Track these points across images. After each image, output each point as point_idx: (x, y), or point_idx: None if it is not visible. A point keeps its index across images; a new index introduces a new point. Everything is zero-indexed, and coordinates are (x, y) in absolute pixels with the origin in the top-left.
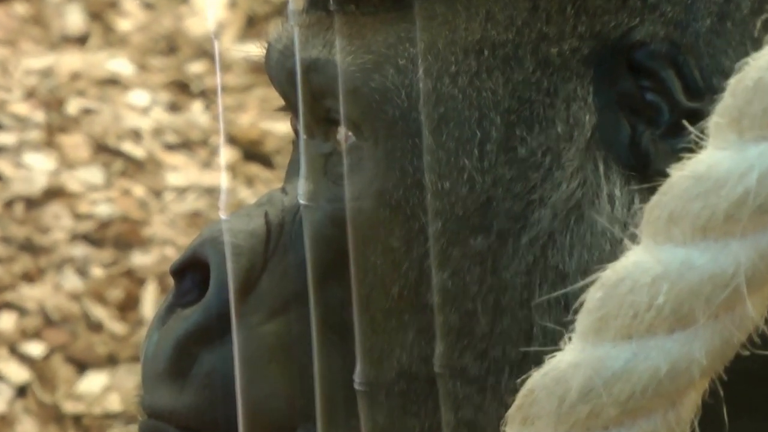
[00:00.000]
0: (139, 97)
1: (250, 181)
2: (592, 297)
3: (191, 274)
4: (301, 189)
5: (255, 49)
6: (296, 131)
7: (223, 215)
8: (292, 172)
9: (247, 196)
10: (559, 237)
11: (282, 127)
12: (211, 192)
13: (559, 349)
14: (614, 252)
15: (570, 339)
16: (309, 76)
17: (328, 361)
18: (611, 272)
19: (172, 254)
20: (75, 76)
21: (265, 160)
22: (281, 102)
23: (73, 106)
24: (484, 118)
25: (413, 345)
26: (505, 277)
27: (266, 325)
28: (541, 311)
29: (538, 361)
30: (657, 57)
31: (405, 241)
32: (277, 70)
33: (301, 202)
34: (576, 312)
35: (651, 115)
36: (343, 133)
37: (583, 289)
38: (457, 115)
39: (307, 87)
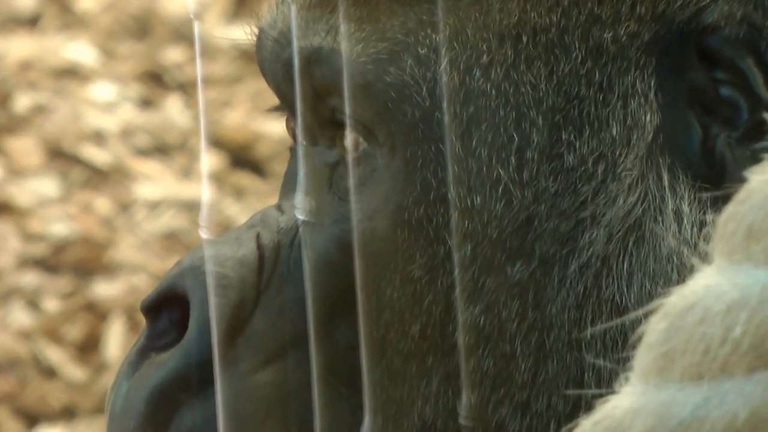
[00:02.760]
0: (103, 90)
1: (238, 194)
2: (655, 329)
3: (167, 310)
4: (301, 206)
5: (244, 34)
6: (294, 136)
7: (205, 236)
8: (290, 185)
9: (236, 212)
10: (616, 263)
11: (277, 127)
12: (191, 207)
13: (615, 392)
14: (683, 280)
15: (627, 380)
16: (310, 69)
17: (334, 417)
18: (677, 298)
19: (143, 284)
20: (24, 65)
21: (257, 168)
22: (276, 99)
23: (22, 102)
24: (522, 119)
25: (438, 396)
26: (550, 313)
27: (259, 374)
28: (594, 352)
29: (589, 407)
30: (733, 43)
31: (428, 269)
32: (270, 62)
33: (301, 222)
34: (634, 347)
35: (727, 114)
36: (351, 138)
37: (642, 320)
38: (490, 115)
39: (307, 82)
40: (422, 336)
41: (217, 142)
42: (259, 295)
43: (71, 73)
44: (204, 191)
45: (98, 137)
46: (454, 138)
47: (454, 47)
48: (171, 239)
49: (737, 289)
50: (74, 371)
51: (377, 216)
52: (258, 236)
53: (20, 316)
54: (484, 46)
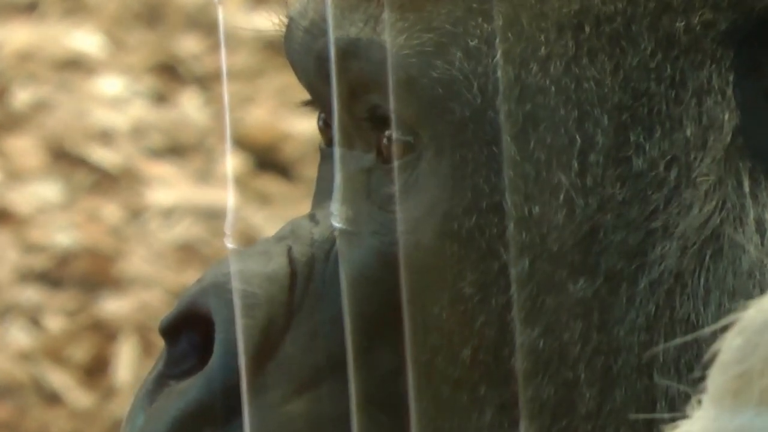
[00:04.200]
0: (110, 84)
1: (264, 199)
2: (730, 346)
3: (188, 333)
4: (337, 215)
5: (270, 23)
6: (327, 136)
7: (231, 246)
8: (323, 192)
9: (261, 220)
10: (691, 279)
11: (306, 125)
12: (209, 214)
13: (686, 417)
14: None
15: (699, 403)
16: (346, 63)
17: None
18: (755, 313)
19: (156, 300)
20: (23, 56)
21: (284, 171)
22: (306, 95)
23: (20, 97)
24: (585, 118)
25: (492, 428)
26: (617, 335)
27: (291, 404)
28: (666, 377)
29: None
30: None
31: (480, 286)
32: (301, 54)
33: (337, 232)
34: (707, 367)
35: None
36: (393, 140)
37: (716, 336)
38: (548, 114)
39: (343, 77)
40: (474, 361)
41: (239, 142)
42: (290, 316)
43: (75, 65)
44: (228, 197)
45: (106, 136)
46: (509, 139)
47: (508, 38)
48: (187, 250)
49: None
50: (80, 397)
51: (422, 227)
52: (289, 250)
53: (20, 336)
54: (542, 37)
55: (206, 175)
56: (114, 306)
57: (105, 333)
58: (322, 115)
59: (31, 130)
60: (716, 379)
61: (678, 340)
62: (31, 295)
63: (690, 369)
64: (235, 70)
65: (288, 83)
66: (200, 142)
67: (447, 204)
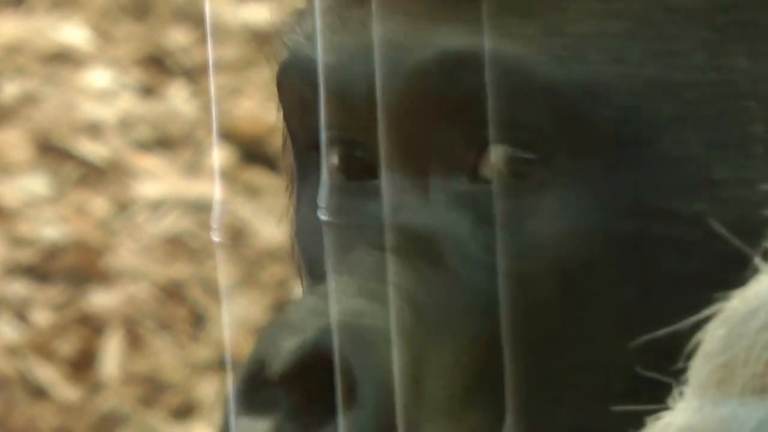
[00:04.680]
0: (98, 77)
1: (252, 191)
2: (713, 336)
3: (309, 379)
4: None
5: (259, 13)
6: (351, 168)
7: (217, 239)
8: (356, 232)
9: (248, 212)
10: None
11: None
12: (198, 207)
13: (668, 408)
14: None
15: (682, 394)
16: (451, 77)
17: None
18: (739, 302)
19: (144, 293)
20: (10, 49)
21: (272, 164)
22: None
23: (7, 91)
24: (738, 110)
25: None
26: None
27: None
28: (650, 366)
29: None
30: None
31: (644, 290)
32: (350, 77)
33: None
34: (690, 357)
35: None
36: (510, 155)
37: (698, 326)
38: (698, 108)
39: (442, 94)
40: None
41: (227, 135)
42: (422, 348)
43: (63, 58)
44: (216, 190)
45: (93, 129)
46: (662, 138)
47: (645, 36)
48: (175, 243)
49: None
50: (67, 391)
51: (570, 238)
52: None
53: (6, 330)
54: (677, 31)
55: (194, 168)
56: (101, 300)
57: (92, 327)
58: (354, 145)
59: (19, 124)
60: (699, 369)
61: (661, 331)
62: (18, 289)
63: (672, 360)
64: (223, 63)
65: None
66: (188, 134)
67: (598, 211)
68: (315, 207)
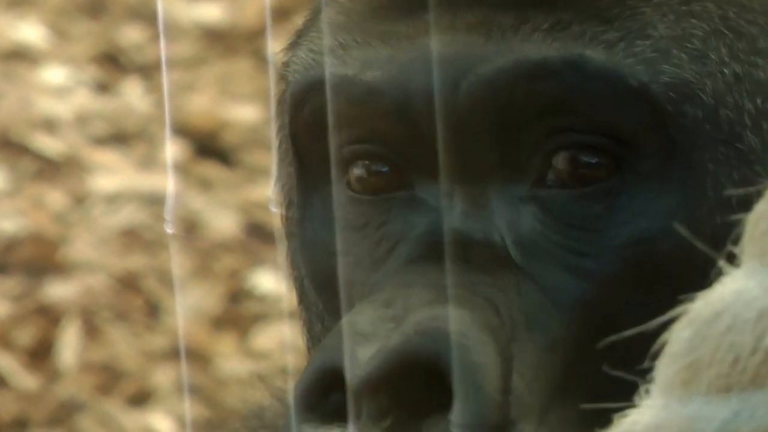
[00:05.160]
0: (54, 74)
1: (204, 185)
2: (679, 337)
3: (386, 389)
4: (275, 201)
5: (211, 10)
6: (380, 183)
7: (170, 231)
8: (390, 246)
9: (201, 204)
10: None
11: (246, 114)
12: (152, 200)
13: (635, 406)
14: None
15: (648, 393)
16: (529, 86)
17: None
18: (703, 305)
19: (101, 284)
20: None
21: (224, 157)
22: (251, 82)
23: None
24: None
25: None
26: None
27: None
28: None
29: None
30: None
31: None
32: (386, 91)
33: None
34: (656, 357)
35: None
36: (585, 161)
37: (664, 327)
38: None
39: (517, 103)
40: None
41: (180, 130)
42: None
43: (19, 56)
44: (169, 183)
45: (50, 125)
46: (749, 135)
47: (726, 35)
48: (130, 235)
49: None
50: (25, 380)
51: (657, 238)
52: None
53: None
54: (755, 30)
55: (149, 162)
56: (58, 291)
57: (50, 317)
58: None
59: None
60: (665, 369)
61: (628, 332)
62: None
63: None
64: (176, 59)
65: (228, 72)
66: (143, 129)
67: (687, 208)
68: (326, 223)
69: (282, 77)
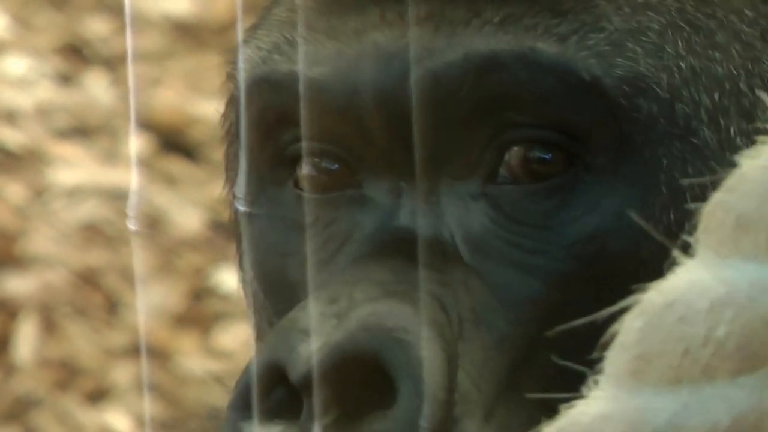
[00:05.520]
0: (16, 65)
1: (169, 181)
2: (630, 327)
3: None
4: (242, 199)
5: (179, 3)
6: (328, 181)
7: (133, 228)
8: (341, 246)
9: (166, 200)
10: None
11: (213, 110)
12: (115, 195)
13: (583, 396)
14: None
15: (597, 383)
16: (479, 80)
17: None
18: (656, 294)
19: (60, 279)
20: None
21: (190, 153)
22: (219, 77)
23: None
24: None
25: None
26: None
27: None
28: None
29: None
30: None
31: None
32: (337, 87)
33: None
34: (605, 347)
35: None
36: (536, 156)
37: (615, 317)
38: (737, 99)
39: (470, 97)
40: None
41: (145, 124)
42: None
43: None
44: (133, 178)
45: (11, 117)
46: (704, 130)
47: (683, 29)
48: (91, 230)
49: (723, 285)
50: None
51: (609, 235)
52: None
53: None
54: (712, 24)
55: (112, 156)
56: (16, 285)
57: (7, 311)
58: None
59: None
60: (615, 359)
61: (576, 322)
62: None
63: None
64: (142, 53)
65: (195, 66)
66: (106, 123)
67: (640, 204)
68: (273, 222)
69: (230, 76)
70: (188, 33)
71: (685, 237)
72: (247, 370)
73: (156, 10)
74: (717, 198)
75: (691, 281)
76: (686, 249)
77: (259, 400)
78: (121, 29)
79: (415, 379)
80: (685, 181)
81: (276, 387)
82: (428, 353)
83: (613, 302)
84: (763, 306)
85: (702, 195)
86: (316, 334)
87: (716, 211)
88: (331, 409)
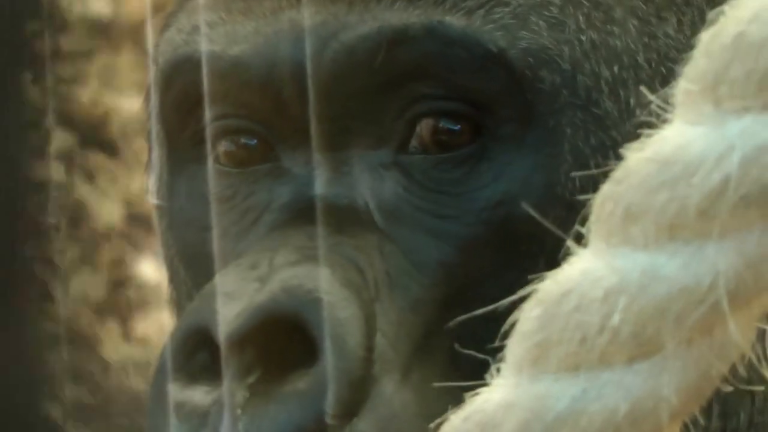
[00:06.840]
0: None
1: (89, 175)
2: (528, 316)
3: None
4: (154, 193)
5: (98, 2)
6: (249, 155)
7: (53, 221)
8: (255, 219)
9: (85, 193)
10: None
11: (129, 105)
12: (38, 188)
13: (486, 385)
14: None
15: (499, 371)
16: (389, 53)
17: None
18: (552, 284)
19: None
20: None
21: (109, 147)
22: (134, 74)
23: None
24: (670, 74)
25: None
26: None
27: (404, 395)
28: (468, 345)
29: (457, 399)
30: None
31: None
32: (250, 64)
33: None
34: (506, 336)
35: None
36: (443, 126)
37: (514, 306)
38: (636, 72)
39: (381, 69)
40: None
41: (65, 120)
42: (374, 310)
43: None
44: (51, 172)
45: None
46: (605, 101)
47: (583, 4)
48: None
49: (615, 274)
50: None
51: (515, 200)
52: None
53: None
54: (610, 0)
55: (34, 152)
56: None
57: None
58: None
59: None
60: (515, 348)
61: (478, 311)
62: None
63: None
64: (62, 51)
65: (113, 64)
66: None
67: (544, 171)
68: (193, 198)
69: (153, 60)
70: (104, 32)
71: (578, 227)
72: (173, 333)
73: (75, 9)
74: (606, 189)
75: (585, 271)
76: (580, 239)
77: (184, 362)
78: (43, 29)
79: (336, 338)
80: (576, 174)
81: (200, 350)
82: (347, 313)
83: (520, 265)
84: (654, 294)
85: (604, 163)
86: (239, 297)
87: (606, 202)
88: (255, 369)
